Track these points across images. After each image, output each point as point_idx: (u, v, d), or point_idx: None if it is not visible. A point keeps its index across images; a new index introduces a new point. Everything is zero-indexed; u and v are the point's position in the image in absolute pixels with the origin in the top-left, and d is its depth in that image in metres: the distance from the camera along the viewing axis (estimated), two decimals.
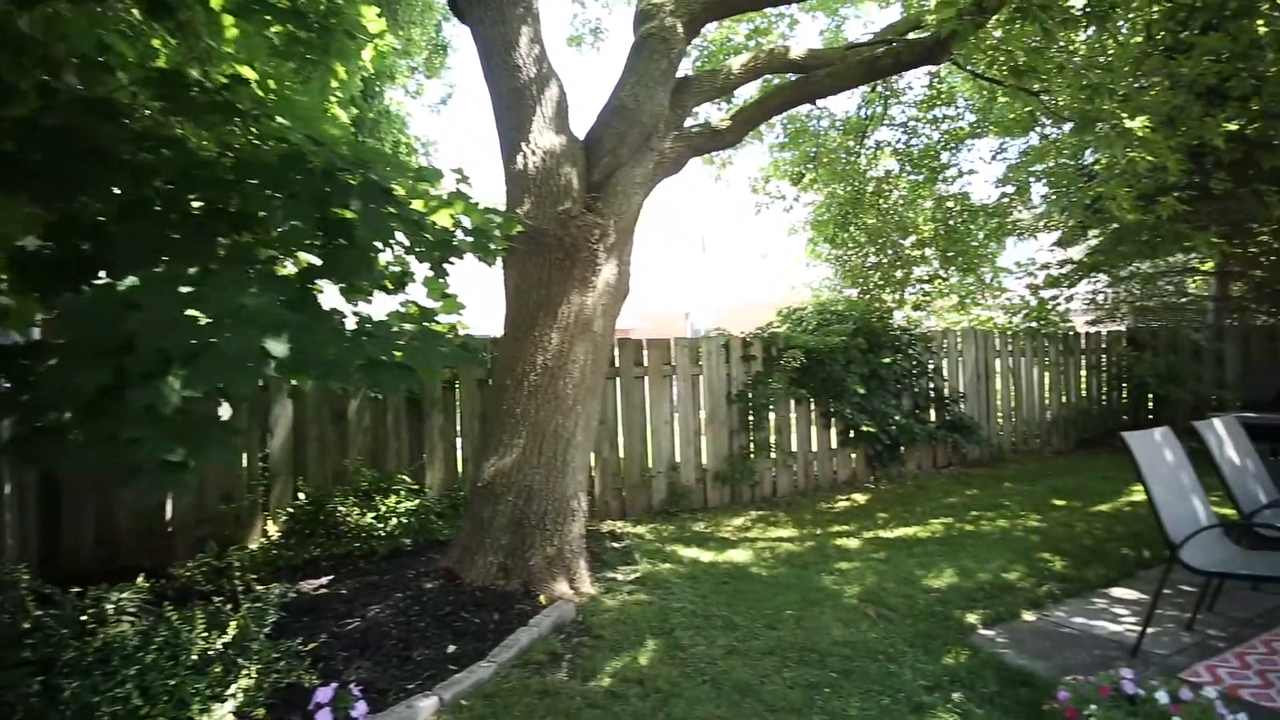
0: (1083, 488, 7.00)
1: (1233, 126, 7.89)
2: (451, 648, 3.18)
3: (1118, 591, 4.12)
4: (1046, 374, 9.71)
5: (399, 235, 2.65)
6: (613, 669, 3.02)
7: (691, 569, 4.50)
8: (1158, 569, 3.95)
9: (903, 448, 8.17)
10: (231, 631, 2.64)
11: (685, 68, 8.70)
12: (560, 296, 4.44)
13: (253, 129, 2.57)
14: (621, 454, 6.53)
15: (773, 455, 7.27)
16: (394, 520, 4.94)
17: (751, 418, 7.10)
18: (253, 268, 2.29)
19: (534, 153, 4.67)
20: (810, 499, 7.03)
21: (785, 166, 9.27)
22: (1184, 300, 11.65)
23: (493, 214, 3.77)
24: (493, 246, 3.82)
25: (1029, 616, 3.75)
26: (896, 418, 7.79)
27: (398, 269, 3.51)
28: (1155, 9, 7.70)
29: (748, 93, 8.38)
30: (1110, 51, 8.38)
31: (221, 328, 1.81)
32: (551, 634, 3.33)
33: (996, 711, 2.71)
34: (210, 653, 2.54)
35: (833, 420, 7.66)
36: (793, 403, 7.44)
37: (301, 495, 4.97)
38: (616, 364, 6.53)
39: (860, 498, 6.98)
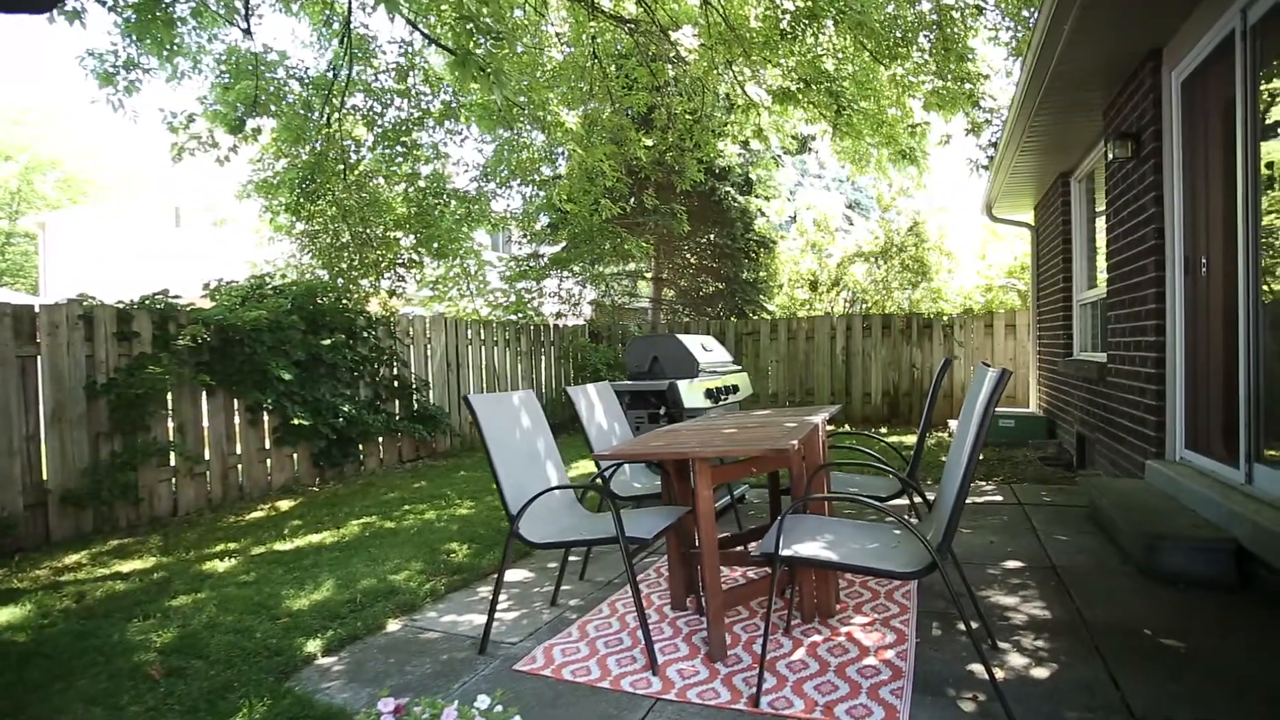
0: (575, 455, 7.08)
1: (649, 142, 9.17)
2: None
3: (511, 574, 3.81)
4: (519, 362, 10.02)
5: None
6: None
7: None
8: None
9: (360, 443, 7.29)
10: None
11: None
12: None
13: None
14: None
15: (172, 462, 5.59)
16: None
17: (134, 414, 5.28)
18: None
19: None
20: (223, 513, 5.57)
21: (219, 108, 7.52)
22: (630, 300, 13.48)
23: None
24: None
25: (393, 625, 3.10)
26: (347, 409, 6.83)
27: None
28: (592, 24, 8.40)
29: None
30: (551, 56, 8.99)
31: None
32: None
33: None
34: None
35: (265, 414, 6.32)
36: (204, 393, 5.87)
37: None
38: None
39: (287, 504, 5.80)
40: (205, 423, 5.93)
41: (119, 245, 21.82)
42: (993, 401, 1.92)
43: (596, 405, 3.78)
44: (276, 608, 3.25)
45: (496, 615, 3.18)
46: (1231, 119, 3.36)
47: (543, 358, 10.53)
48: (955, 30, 7.73)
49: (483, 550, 4.15)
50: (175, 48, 6.87)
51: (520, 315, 11.35)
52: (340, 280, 9.26)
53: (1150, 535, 3.08)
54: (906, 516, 4.41)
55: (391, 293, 9.62)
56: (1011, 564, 3.46)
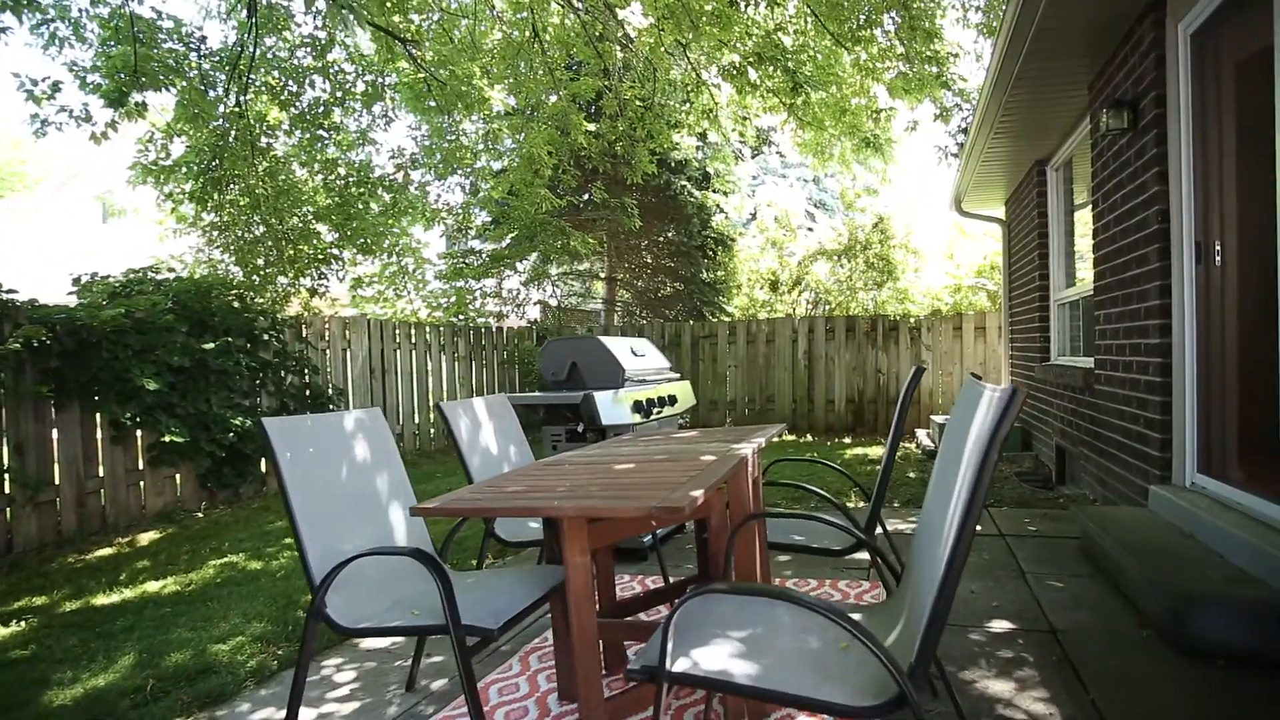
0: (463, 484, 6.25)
1: (593, 127, 8.42)
2: None
3: (373, 640, 3.01)
4: (457, 368, 9.18)
5: None
6: None
7: None
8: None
9: (262, 460, 6.42)
10: None
11: None
12: None
13: None
14: None
15: (6, 489, 4.68)
16: None
17: None
18: None
19: None
20: (69, 549, 4.69)
21: (100, 79, 6.58)
22: (582, 301, 12.70)
23: None
24: None
25: None
26: (240, 422, 5.95)
27: None
28: None
29: None
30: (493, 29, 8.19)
31: None
32: None
33: None
34: None
35: (139, 430, 5.43)
36: (52, 406, 4.97)
37: None
38: None
39: (150, 537, 4.92)
40: (55, 437, 5.03)
41: (42, 241, 20.43)
42: (997, 440, 1.20)
43: (484, 425, 3.01)
44: (26, 705, 2.41)
45: (329, 708, 2.40)
46: (1264, 73, 2.71)
47: (484, 363, 9.71)
48: (922, 6, 7.13)
49: None
50: (34, 3, 5.94)
51: (462, 317, 10.50)
52: (256, 278, 8.34)
53: (1180, 596, 2.40)
54: (871, 557, 3.68)
55: (313, 292, 8.72)
56: (999, 625, 2.76)
